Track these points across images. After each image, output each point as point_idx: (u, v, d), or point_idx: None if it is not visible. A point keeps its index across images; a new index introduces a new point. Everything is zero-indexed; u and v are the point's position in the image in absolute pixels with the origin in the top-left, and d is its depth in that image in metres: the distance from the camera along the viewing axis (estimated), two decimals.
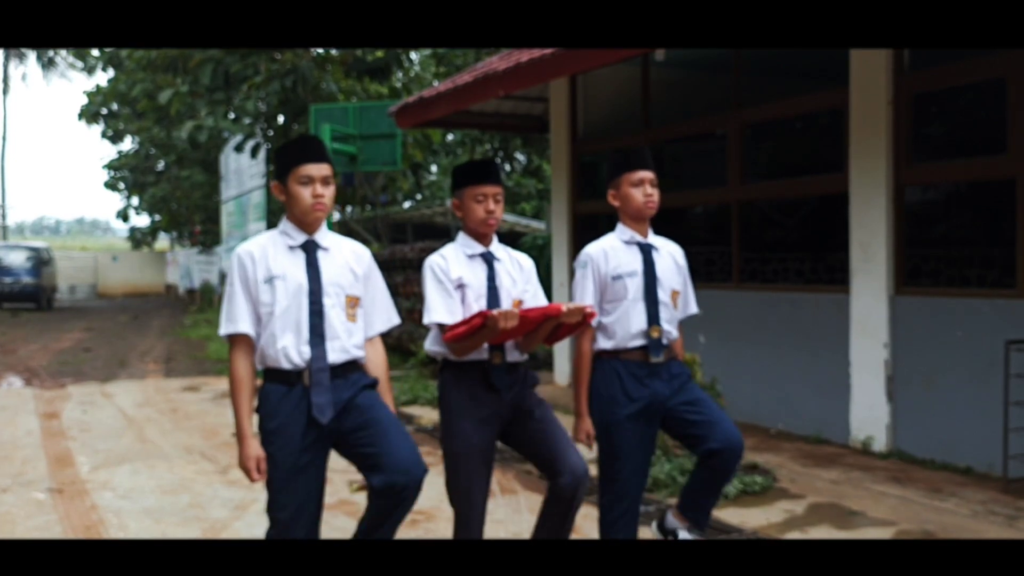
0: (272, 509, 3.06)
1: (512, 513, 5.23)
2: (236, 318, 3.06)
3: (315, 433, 3.03)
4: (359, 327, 3.17)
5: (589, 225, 9.55)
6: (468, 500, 3.41)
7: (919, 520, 4.84)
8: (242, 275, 3.08)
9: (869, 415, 6.43)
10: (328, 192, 3.09)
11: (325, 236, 3.18)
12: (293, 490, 3.01)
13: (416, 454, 3.01)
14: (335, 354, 3.06)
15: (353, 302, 3.15)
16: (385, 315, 3.29)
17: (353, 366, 3.13)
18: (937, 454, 6.01)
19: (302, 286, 3.06)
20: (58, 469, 6.40)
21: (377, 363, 3.25)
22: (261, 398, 3.09)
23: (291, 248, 3.11)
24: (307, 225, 3.12)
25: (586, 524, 4.91)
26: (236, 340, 3.08)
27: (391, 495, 2.95)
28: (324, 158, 3.10)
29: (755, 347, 7.32)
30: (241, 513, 5.23)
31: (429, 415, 8.03)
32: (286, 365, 3.03)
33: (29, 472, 6.30)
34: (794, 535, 4.66)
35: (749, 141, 7.69)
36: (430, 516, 5.08)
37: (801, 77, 7.44)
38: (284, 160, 3.11)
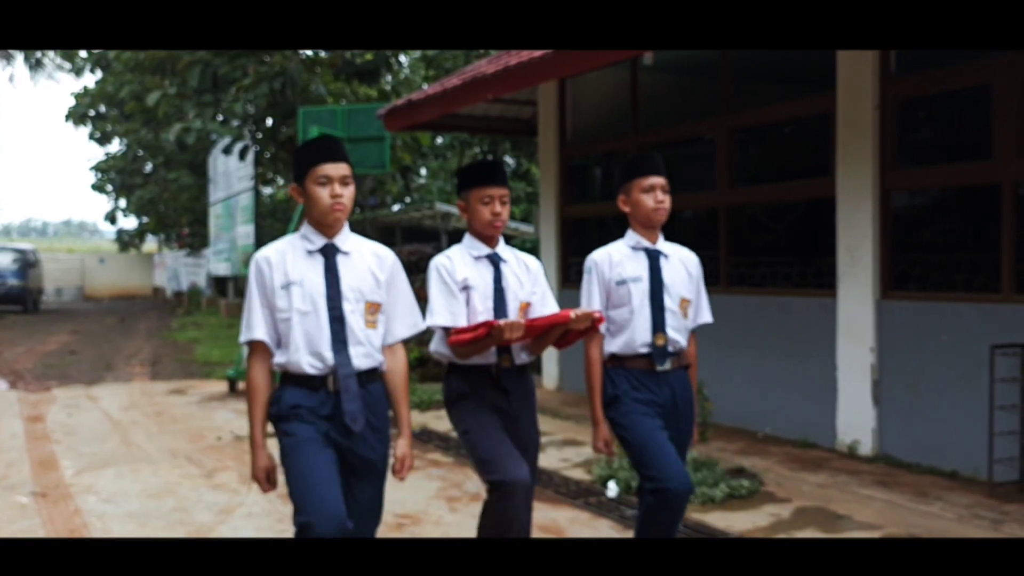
0: (291, 488, 2.92)
1: None
2: (252, 325, 3.01)
3: (334, 432, 2.97)
4: (378, 333, 3.09)
5: (577, 229, 9.56)
6: (499, 451, 3.27)
7: (905, 524, 4.86)
8: (259, 281, 3.02)
9: (855, 419, 6.45)
10: (347, 192, 3.01)
11: (346, 239, 3.09)
12: (311, 462, 2.90)
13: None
14: (360, 359, 3.01)
15: (373, 308, 3.07)
16: (409, 320, 3.19)
17: (375, 373, 3.08)
18: (923, 458, 6.03)
19: (320, 292, 2.99)
20: (42, 472, 6.35)
21: (397, 371, 3.16)
22: (278, 396, 3.02)
23: (310, 252, 3.04)
24: (326, 227, 3.04)
25: (573, 527, 4.90)
26: (253, 347, 3.02)
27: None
28: (342, 157, 3.02)
29: (742, 351, 7.33)
30: (226, 517, 5.20)
31: (418, 419, 8.01)
32: (310, 371, 2.97)
33: (12, 475, 6.25)
34: None
35: (737, 146, 7.71)
36: (416, 520, 5.07)
37: (789, 82, 7.46)
38: (301, 161, 3.03)
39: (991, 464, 5.30)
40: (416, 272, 11.29)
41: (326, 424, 2.98)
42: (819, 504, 5.25)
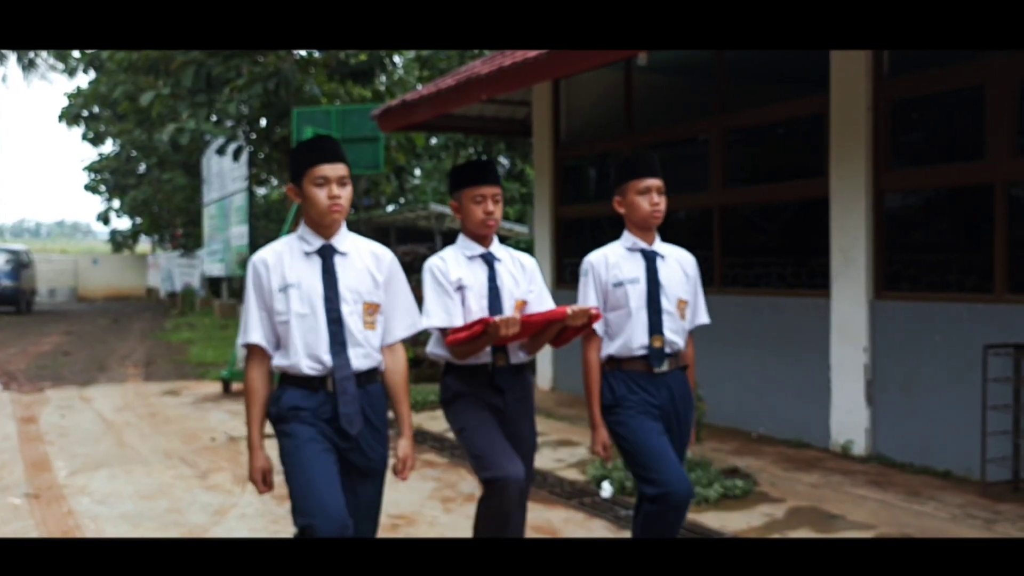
0: (291, 489, 2.93)
1: None
2: (249, 328, 3.00)
3: (333, 433, 2.97)
4: (377, 334, 3.08)
5: (572, 229, 9.56)
6: (493, 448, 3.29)
7: (898, 524, 4.87)
8: (256, 284, 3.01)
9: (849, 419, 6.46)
10: (345, 193, 3.00)
11: (344, 240, 3.08)
12: (312, 464, 2.91)
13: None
14: (358, 360, 3.00)
15: (372, 309, 3.06)
16: (408, 320, 3.17)
17: (374, 373, 3.07)
18: (916, 458, 6.04)
19: (318, 294, 2.98)
20: (35, 474, 6.33)
21: (397, 371, 3.15)
22: (277, 396, 3.02)
23: (307, 254, 3.02)
24: (324, 228, 3.03)
25: (567, 528, 4.90)
26: (251, 350, 3.02)
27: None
28: (340, 158, 3.01)
29: (736, 351, 7.34)
30: (220, 518, 5.19)
31: (412, 420, 8.00)
32: (309, 372, 2.96)
33: (6, 477, 6.23)
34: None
35: (731, 146, 7.72)
36: (410, 521, 5.06)
37: (783, 83, 7.48)
38: (299, 161, 3.01)
39: (984, 464, 5.32)
40: (410, 272, 11.27)
41: (325, 426, 2.98)
42: (813, 504, 5.26)
